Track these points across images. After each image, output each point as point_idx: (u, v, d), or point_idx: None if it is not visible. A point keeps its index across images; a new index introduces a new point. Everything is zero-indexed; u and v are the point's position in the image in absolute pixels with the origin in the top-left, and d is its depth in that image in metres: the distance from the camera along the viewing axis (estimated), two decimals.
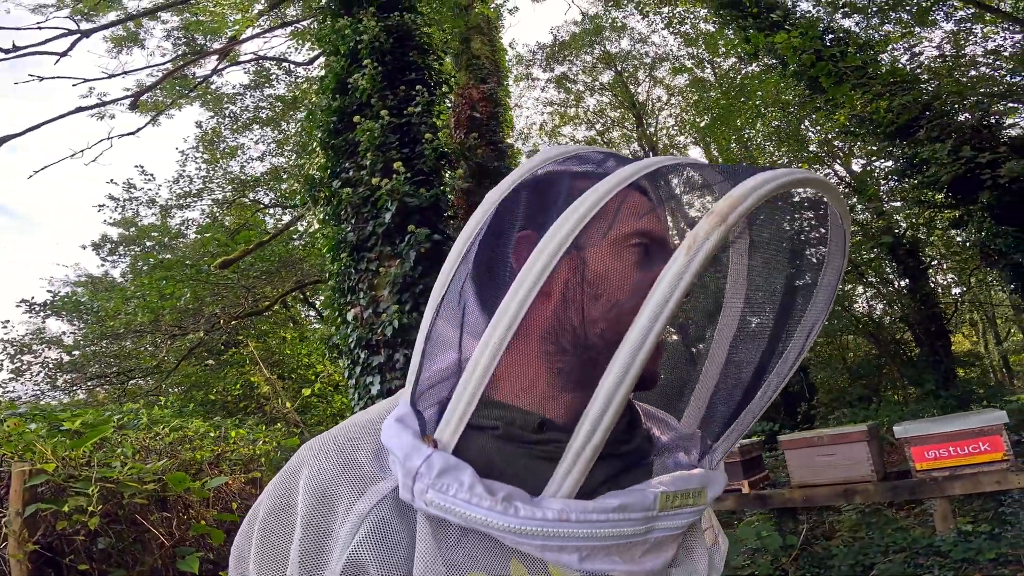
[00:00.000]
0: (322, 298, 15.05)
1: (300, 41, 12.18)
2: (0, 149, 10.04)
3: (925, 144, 7.10)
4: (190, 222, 14.47)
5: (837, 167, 11.97)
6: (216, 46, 11.58)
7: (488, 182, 5.47)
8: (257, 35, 11.47)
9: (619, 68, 15.57)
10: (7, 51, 9.49)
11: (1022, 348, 21.37)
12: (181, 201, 14.11)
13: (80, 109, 10.62)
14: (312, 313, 15.09)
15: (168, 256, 13.50)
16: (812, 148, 11.55)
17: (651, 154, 16.05)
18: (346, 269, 4.96)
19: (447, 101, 5.25)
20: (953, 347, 11.61)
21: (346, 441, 0.57)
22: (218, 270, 10.48)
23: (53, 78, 10.29)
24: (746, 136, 12.52)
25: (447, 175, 4.86)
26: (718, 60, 13.41)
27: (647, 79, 15.79)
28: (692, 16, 12.07)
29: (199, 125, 14.09)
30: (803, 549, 4.37)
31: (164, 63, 12.49)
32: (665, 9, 12.09)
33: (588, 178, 0.56)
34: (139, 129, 11.89)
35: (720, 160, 13.70)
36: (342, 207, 4.99)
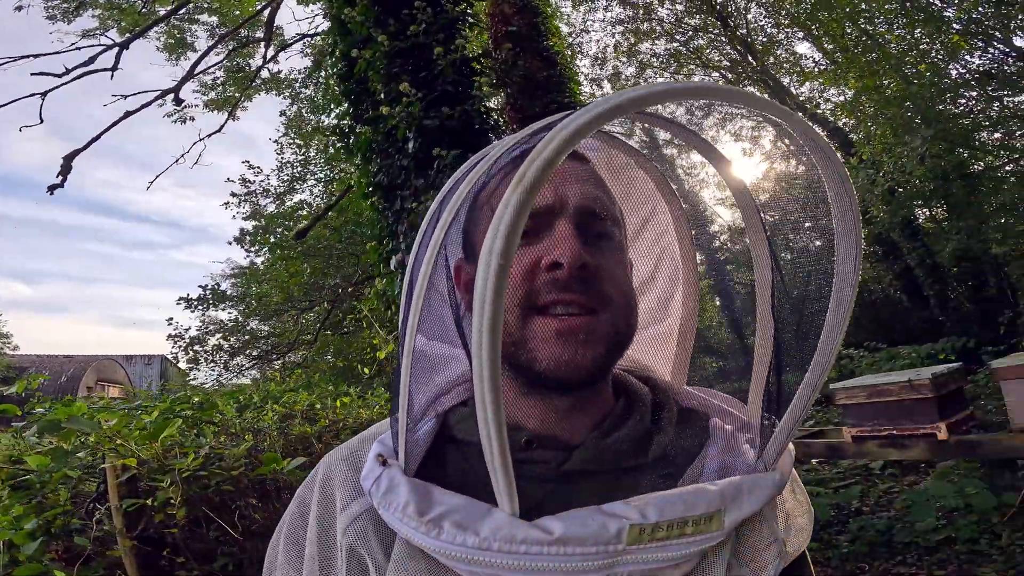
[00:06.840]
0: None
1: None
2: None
3: None
4: (303, 203, 14.31)
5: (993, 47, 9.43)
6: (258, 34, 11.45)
7: (541, 93, 4.97)
8: (262, 9, 11.11)
9: None
10: (60, 75, 9.97)
11: None
12: (289, 186, 14.25)
13: (145, 103, 10.84)
14: None
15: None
16: (956, 28, 9.25)
17: (749, 58, 14.08)
18: (382, 213, 4.50)
19: (467, 16, 4.55)
20: None
21: (356, 448, 0.65)
22: (295, 240, 10.65)
23: (134, 94, 10.71)
24: (863, 16, 10.52)
25: (475, 87, 4.19)
26: None
27: None
28: None
29: (283, 113, 14.27)
30: (1022, 509, 3.45)
31: (220, 62, 12.55)
32: None
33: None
34: (222, 125, 12.17)
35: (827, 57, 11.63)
36: (365, 149, 4.52)
